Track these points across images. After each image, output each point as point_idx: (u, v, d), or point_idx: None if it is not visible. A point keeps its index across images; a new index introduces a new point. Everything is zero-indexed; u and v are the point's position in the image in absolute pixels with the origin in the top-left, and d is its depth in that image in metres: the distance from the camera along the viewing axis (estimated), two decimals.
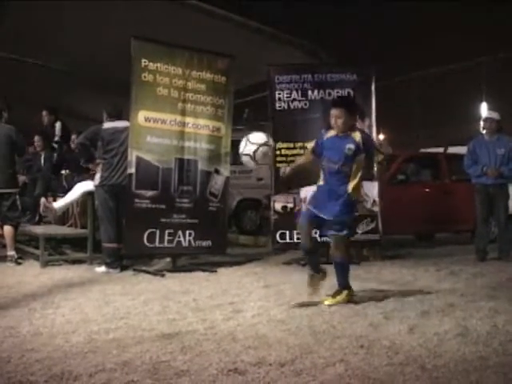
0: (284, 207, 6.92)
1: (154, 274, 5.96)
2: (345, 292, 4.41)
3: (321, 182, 4.51)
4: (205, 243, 6.44)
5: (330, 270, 4.54)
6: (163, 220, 6.20)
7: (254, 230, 10.79)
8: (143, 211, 6.11)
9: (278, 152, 6.98)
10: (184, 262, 6.84)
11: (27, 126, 8.43)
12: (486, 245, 7.05)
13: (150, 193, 6.15)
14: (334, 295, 4.39)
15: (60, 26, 7.97)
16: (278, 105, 7.08)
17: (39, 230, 7.14)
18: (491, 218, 7.21)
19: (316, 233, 5.70)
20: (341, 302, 4.31)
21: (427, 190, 8.93)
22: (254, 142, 4.88)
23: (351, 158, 4.35)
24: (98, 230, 6.64)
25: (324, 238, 5.65)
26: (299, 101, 7.05)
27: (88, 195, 6.79)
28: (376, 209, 6.92)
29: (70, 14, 7.57)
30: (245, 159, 4.96)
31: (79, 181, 7.27)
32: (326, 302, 4.29)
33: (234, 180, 8.02)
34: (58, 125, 8.69)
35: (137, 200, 6.09)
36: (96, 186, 6.38)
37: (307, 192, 6.11)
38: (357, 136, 4.38)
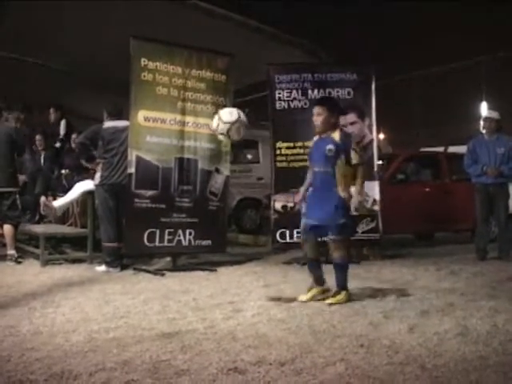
0: (284, 206, 6.91)
1: (154, 273, 5.96)
2: (343, 292, 4.41)
3: (310, 189, 4.54)
4: (205, 242, 6.44)
5: (330, 269, 4.55)
6: (163, 219, 6.19)
7: (254, 229, 10.77)
8: (143, 211, 6.10)
9: (278, 152, 6.98)
10: (184, 261, 6.84)
11: (27, 125, 8.42)
12: (486, 244, 7.05)
13: (149, 192, 6.14)
14: (333, 295, 4.39)
15: (60, 25, 7.97)
16: (277, 104, 7.07)
17: (39, 229, 7.14)
18: (491, 218, 7.21)
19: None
20: (341, 301, 4.32)
21: (427, 189, 8.92)
22: (226, 121, 4.96)
23: (333, 159, 4.36)
24: (98, 229, 6.64)
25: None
26: (299, 100, 7.04)
27: (88, 194, 6.78)
28: (376, 208, 6.93)
29: (70, 13, 7.57)
30: (220, 137, 5.24)
31: (79, 180, 7.28)
32: (327, 302, 4.30)
33: (234, 179, 8.02)
34: (62, 123, 8.69)
35: (137, 200, 6.08)
36: (96, 186, 6.37)
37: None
38: (336, 136, 4.41)
